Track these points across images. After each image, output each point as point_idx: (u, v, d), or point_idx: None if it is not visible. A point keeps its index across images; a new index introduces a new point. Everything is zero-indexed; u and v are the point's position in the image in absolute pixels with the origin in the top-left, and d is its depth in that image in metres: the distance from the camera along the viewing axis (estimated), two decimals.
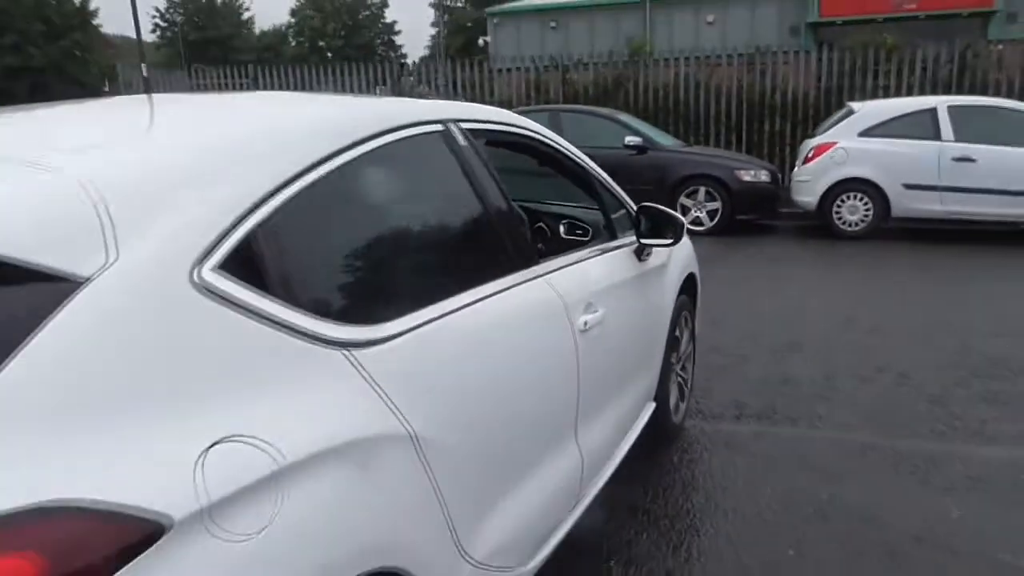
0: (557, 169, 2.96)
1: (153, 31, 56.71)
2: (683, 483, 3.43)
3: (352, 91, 15.19)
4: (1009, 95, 11.14)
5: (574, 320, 2.35)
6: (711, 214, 9.75)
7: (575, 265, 2.55)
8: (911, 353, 5.07)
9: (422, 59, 40.21)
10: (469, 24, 55.23)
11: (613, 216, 3.07)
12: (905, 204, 8.95)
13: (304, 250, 1.56)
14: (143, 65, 16.64)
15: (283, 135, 1.65)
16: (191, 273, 1.29)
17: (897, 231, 9.34)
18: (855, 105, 9.65)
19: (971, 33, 20.87)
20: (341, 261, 1.70)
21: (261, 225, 1.43)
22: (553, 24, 30.61)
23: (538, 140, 2.71)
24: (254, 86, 15.30)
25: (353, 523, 1.41)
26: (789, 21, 27.78)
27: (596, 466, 2.62)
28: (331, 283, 1.64)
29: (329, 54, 55.02)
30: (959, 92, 11.40)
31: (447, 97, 14.57)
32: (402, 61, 18.08)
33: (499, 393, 1.95)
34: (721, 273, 4.20)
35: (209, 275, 1.31)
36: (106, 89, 43.61)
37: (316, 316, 1.47)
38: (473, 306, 1.91)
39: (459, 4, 55.80)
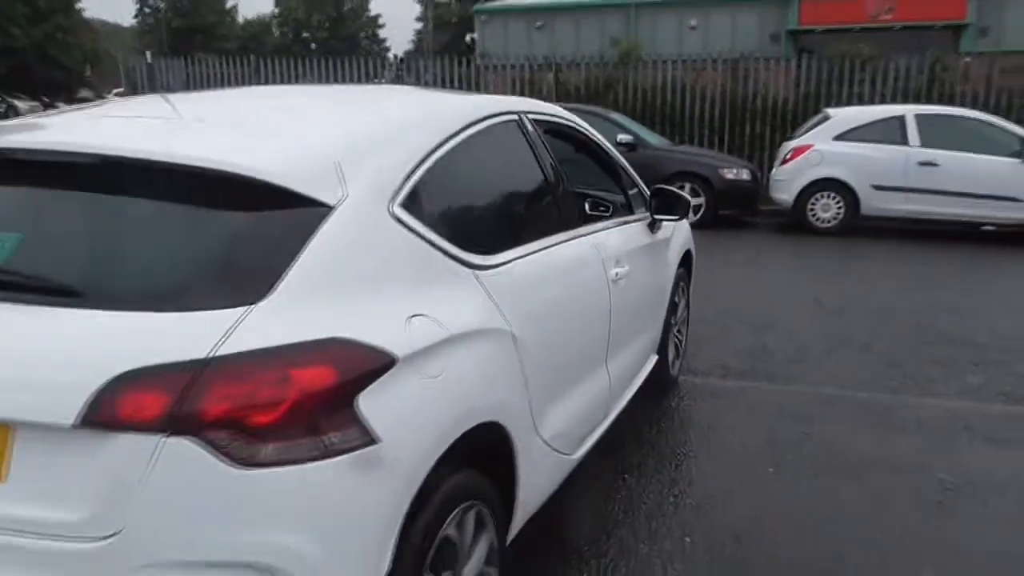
0: (590, 155, 3.60)
1: (136, 16, 56.60)
2: (680, 421, 4.10)
3: (348, 82, 15.72)
4: (975, 105, 11.94)
5: (608, 271, 3.00)
6: (695, 209, 10.43)
7: (607, 231, 3.20)
8: (872, 329, 5.79)
9: (407, 53, 40.61)
10: (454, 20, 55.75)
11: (630, 194, 3.73)
12: (874, 204, 9.72)
13: (446, 197, 2.19)
14: (147, 52, 17.03)
15: (427, 117, 2.29)
16: (387, 207, 1.92)
17: (866, 228, 10.10)
18: (831, 111, 10.41)
19: (944, 44, 21.76)
20: (466, 206, 2.34)
21: (421, 178, 2.06)
22: (540, 24, 31.07)
23: (580, 131, 3.35)
24: (256, 77, 15.75)
25: (482, 383, 2.05)
26: (769, 28, 28.52)
27: (618, 390, 3.28)
28: (462, 222, 2.27)
29: (313, 45, 55.24)
30: (928, 102, 12.19)
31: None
32: (400, 56, 18.43)
33: (562, 316, 2.60)
34: (705, 262, 4.83)
35: (397, 209, 1.94)
36: (88, 74, 43.57)
37: (454, 245, 2.11)
38: (547, 249, 2.57)
39: (444, 0, 56.24)
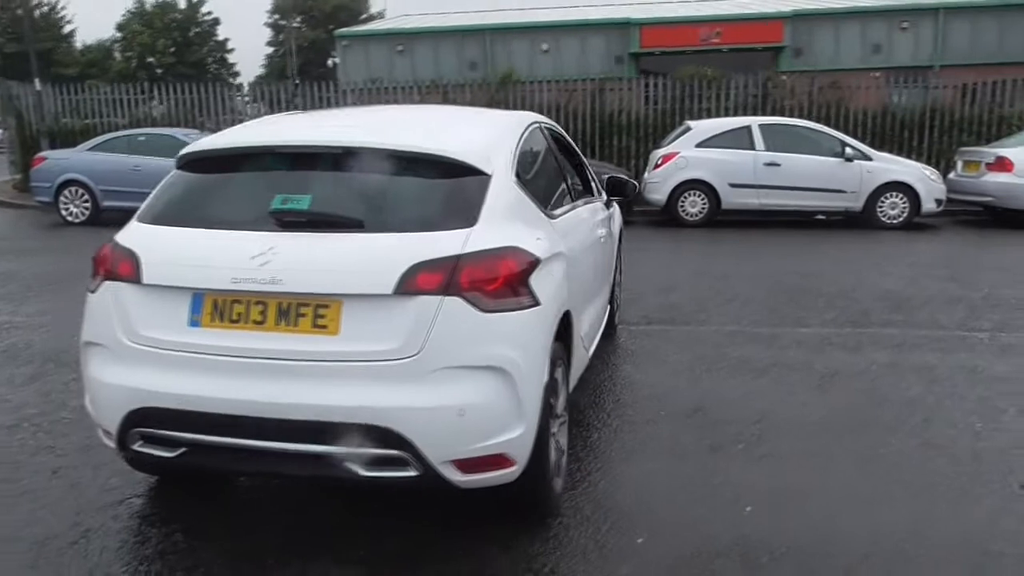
0: (568, 152, 4.89)
1: None
2: (628, 351, 5.46)
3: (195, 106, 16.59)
4: (800, 116, 14.23)
5: (595, 232, 4.30)
6: None
7: (589, 204, 4.50)
8: (749, 289, 7.42)
9: (258, 78, 40.49)
10: (306, 44, 55.82)
11: (591, 182, 5.06)
12: (732, 199, 11.63)
13: (525, 173, 3.39)
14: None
15: (507, 123, 3.49)
16: (511, 177, 3.11)
17: (726, 220, 11.99)
18: (691, 123, 12.32)
19: (765, 64, 24.79)
20: (534, 180, 3.56)
21: (517, 162, 3.27)
22: (400, 48, 32.05)
23: (564, 136, 4.64)
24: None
25: (564, 284, 3.27)
26: (615, 51, 30.90)
27: (600, 320, 4.58)
28: (534, 189, 3.47)
29: (159, 71, 53.57)
30: (763, 114, 14.40)
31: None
32: (250, 82, 19.44)
33: (583, 255, 3.87)
34: None
35: (514, 178, 3.14)
36: None
37: (538, 203, 3.32)
38: (573, 211, 3.84)
39: (295, 24, 56.24)
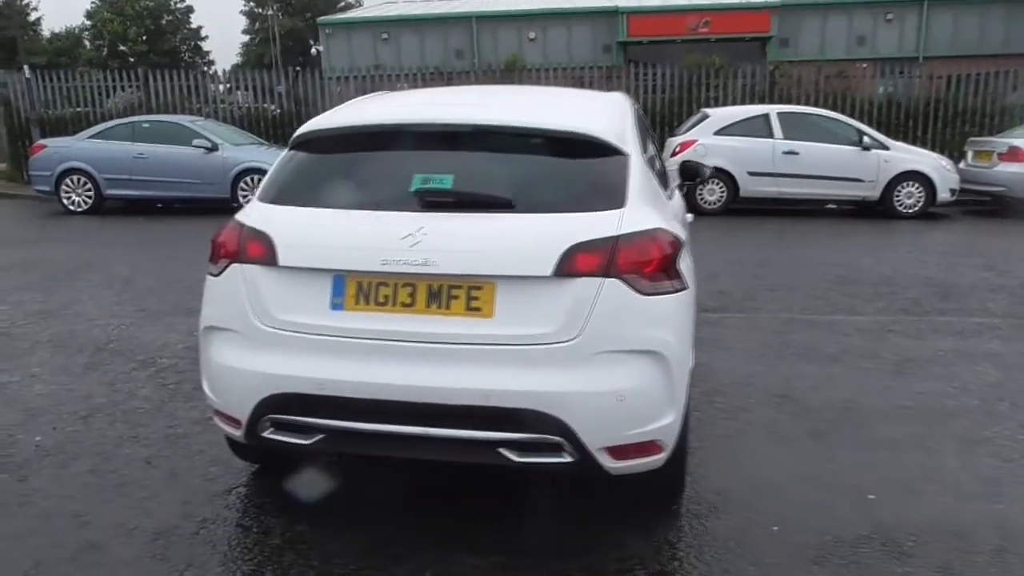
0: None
1: None
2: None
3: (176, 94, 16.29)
4: (806, 105, 14.26)
5: (687, 217, 4.23)
6: None
7: (678, 190, 4.43)
8: (789, 277, 7.41)
9: (235, 67, 39.91)
10: (283, 32, 55.07)
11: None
12: (750, 187, 11.61)
13: (644, 155, 3.30)
14: None
15: (621, 105, 3.39)
16: (643, 157, 3.03)
17: (741, 209, 11.99)
18: (709, 111, 12.27)
19: (752, 54, 24.88)
20: (650, 164, 3.48)
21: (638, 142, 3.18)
22: (385, 35, 31.76)
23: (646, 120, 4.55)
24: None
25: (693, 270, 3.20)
26: (602, 39, 30.84)
27: None
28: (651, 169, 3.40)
29: (132, 59, 52.55)
30: (769, 103, 14.41)
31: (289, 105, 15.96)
32: (226, 69, 19.23)
33: (686, 232, 3.79)
34: None
35: (644, 159, 3.05)
36: None
37: (659, 185, 3.25)
38: (675, 194, 3.76)
39: (272, 12, 55.40)
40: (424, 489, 3.26)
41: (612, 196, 2.71)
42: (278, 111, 16.12)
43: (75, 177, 12.62)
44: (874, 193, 11.54)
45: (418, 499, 3.20)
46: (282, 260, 2.66)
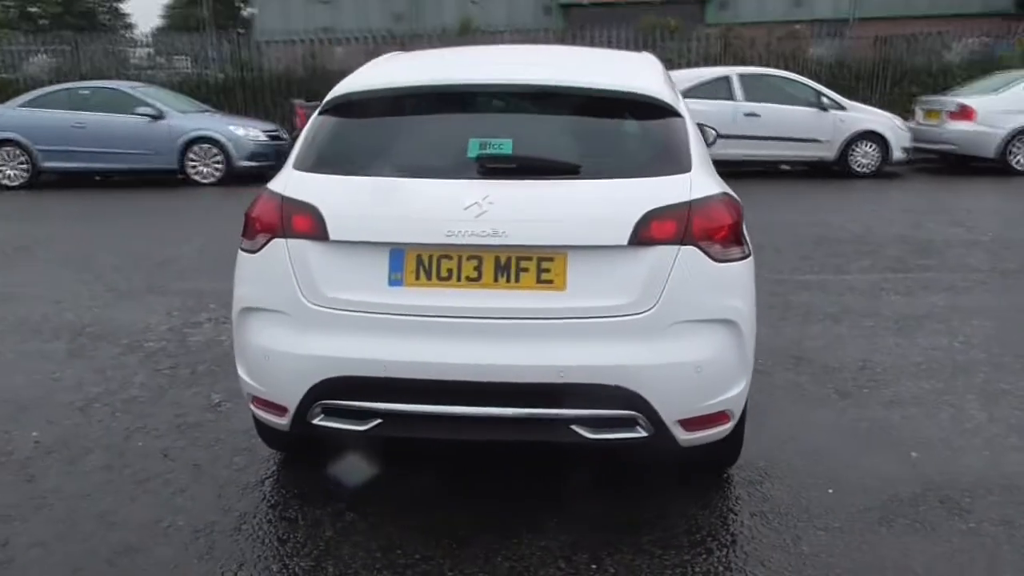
0: None
1: None
2: None
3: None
4: (760, 67, 14.34)
5: None
6: None
7: None
8: (770, 238, 7.40)
9: (158, 29, 38.23)
10: None
11: None
12: (713, 150, 11.60)
13: None
14: None
15: (656, 64, 3.25)
16: (693, 120, 2.91)
17: None
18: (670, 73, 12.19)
19: (692, 16, 24.90)
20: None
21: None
22: None
23: None
24: None
25: None
26: (543, 1, 30.47)
27: None
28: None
29: (43, 21, 49.71)
30: (723, 65, 14.43)
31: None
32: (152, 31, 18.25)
33: None
34: None
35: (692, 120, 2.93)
36: None
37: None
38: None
39: None
40: (470, 469, 3.13)
41: (677, 160, 2.59)
42: (221, 76, 15.46)
43: (8, 149, 11.90)
44: (831, 153, 11.71)
45: (465, 480, 3.07)
46: (333, 234, 2.48)
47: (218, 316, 5.17)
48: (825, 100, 11.67)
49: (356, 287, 2.48)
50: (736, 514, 2.81)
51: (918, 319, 4.96)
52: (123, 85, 12.67)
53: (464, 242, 2.40)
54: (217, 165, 11.77)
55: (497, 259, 2.43)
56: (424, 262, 2.45)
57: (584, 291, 2.42)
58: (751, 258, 2.63)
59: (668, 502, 2.87)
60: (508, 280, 2.43)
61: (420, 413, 2.50)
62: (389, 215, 2.47)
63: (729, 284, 2.52)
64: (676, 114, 2.71)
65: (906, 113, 13.33)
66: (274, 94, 15.28)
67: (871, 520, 2.75)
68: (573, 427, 2.47)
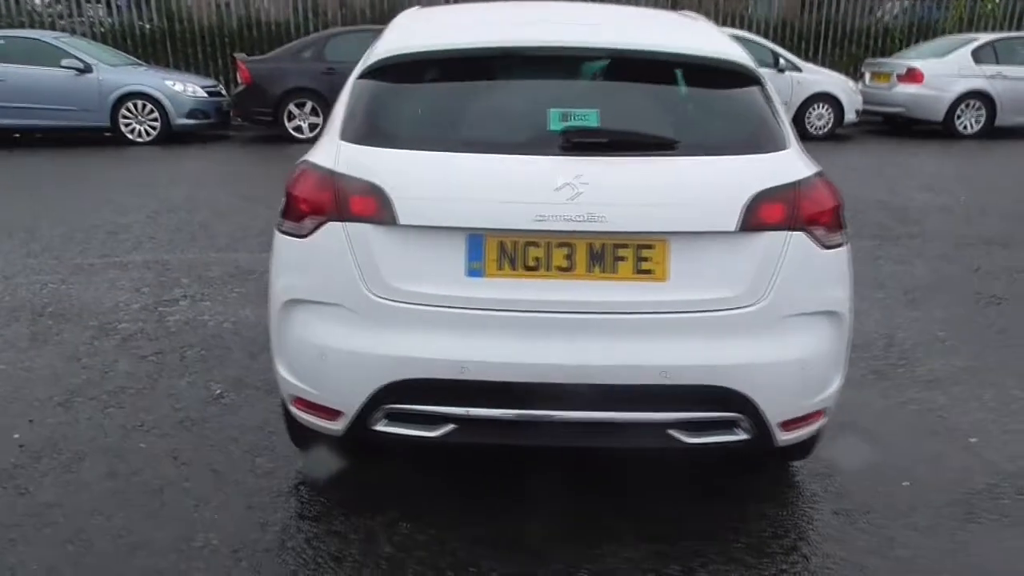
0: None
1: None
2: None
3: None
4: None
5: None
6: None
7: None
8: None
9: None
10: None
11: None
12: None
13: None
14: None
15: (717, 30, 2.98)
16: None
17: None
18: None
19: None
20: None
21: None
22: None
23: None
24: None
25: None
26: None
27: None
28: None
29: None
30: None
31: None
32: None
33: None
34: None
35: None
36: None
37: None
38: None
39: None
40: (522, 469, 2.88)
41: (774, 136, 2.35)
42: (147, 27, 14.42)
43: None
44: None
45: (520, 482, 2.81)
46: (402, 218, 2.16)
47: (194, 293, 4.75)
48: (782, 61, 11.62)
49: (429, 278, 2.18)
50: (819, 513, 2.65)
51: (927, 288, 4.92)
52: (46, 35, 11.62)
53: (556, 228, 2.11)
54: (153, 123, 10.98)
55: (591, 247, 2.16)
56: (508, 250, 2.16)
57: (687, 282, 2.18)
58: (847, 245, 2.42)
59: (742, 502, 2.69)
60: (603, 270, 2.16)
61: (501, 418, 2.23)
62: (467, 196, 2.16)
63: (834, 273, 2.32)
64: (762, 84, 2.46)
65: (851, 75, 13.43)
66: (206, 47, 14.34)
67: (958, 517, 2.63)
68: (670, 432, 2.25)
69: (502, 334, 2.16)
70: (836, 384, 2.39)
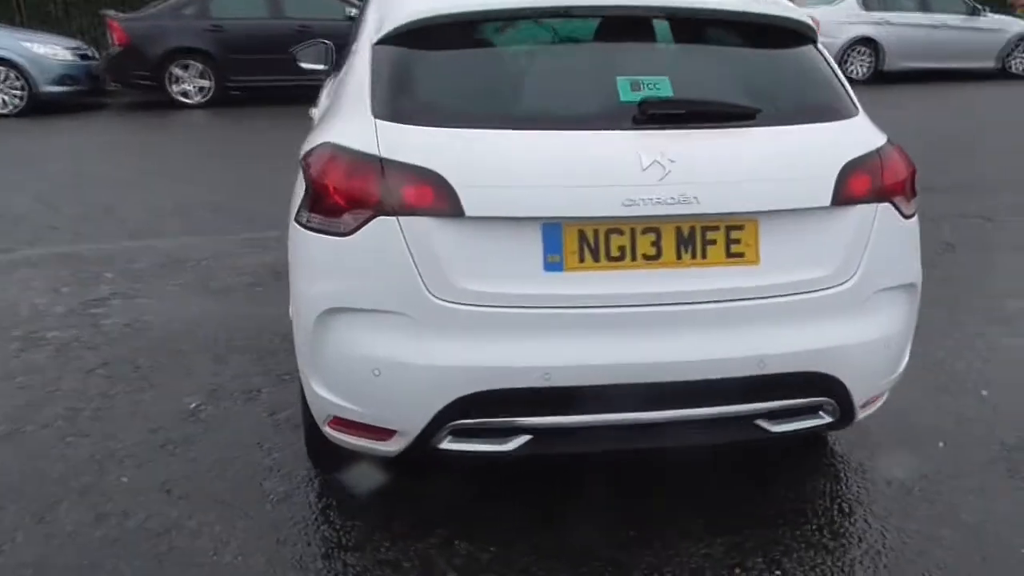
0: None
1: None
2: None
3: None
4: None
5: None
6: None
7: None
8: None
9: None
10: None
11: None
12: None
13: None
14: None
15: None
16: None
17: None
18: None
19: None
20: None
21: None
22: None
23: None
24: None
25: None
26: None
27: None
28: None
29: None
30: None
31: None
32: None
33: None
34: None
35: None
36: None
37: None
38: None
39: None
40: (567, 474, 2.66)
41: (842, 101, 2.21)
42: None
43: None
44: None
45: (570, 489, 2.59)
46: (469, 208, 1.88)
47: (124, 289, 4.24)
48: None
49: (502, 276, 1.92)
50: (874, 483, 2.59)
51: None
52: None
53: (646, 212, 1.89)
54: (16, 92, 9.86)
55: (679, 231, 1.95)
56: (589, 239, 1.92)
57: (779, 264, 2.01)
58: (916, 218, 2.31)
59: (798, 483, 2.59)
60: (693, 256, 1.96)
61: (584, 424, 2.02)
62: (542, 181, 1.90)
63: (913, 243, 2.23)
64: (815, 44, 2.29)
65: None
66: (66, 4, 12.99)
67: (1002, 474, 2.64)
68: (758, 422, 2.10)
69: (587, 334, 1.93)
70: (907, 359, 2.31)
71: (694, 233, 1.95)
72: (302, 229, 2.04)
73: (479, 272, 1.91)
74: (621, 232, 1.93)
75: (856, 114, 2.18)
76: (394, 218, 1.90)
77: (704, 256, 1.96)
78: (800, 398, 2.10)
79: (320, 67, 4.19)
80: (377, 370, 1.96)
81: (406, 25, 2.09)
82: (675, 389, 1.98)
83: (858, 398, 2.14)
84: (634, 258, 1.94)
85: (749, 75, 2.23)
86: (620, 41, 2.17)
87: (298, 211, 2.08)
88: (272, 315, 3.80)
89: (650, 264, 1.95)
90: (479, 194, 1.88)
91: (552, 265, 1.92)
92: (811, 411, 2.14)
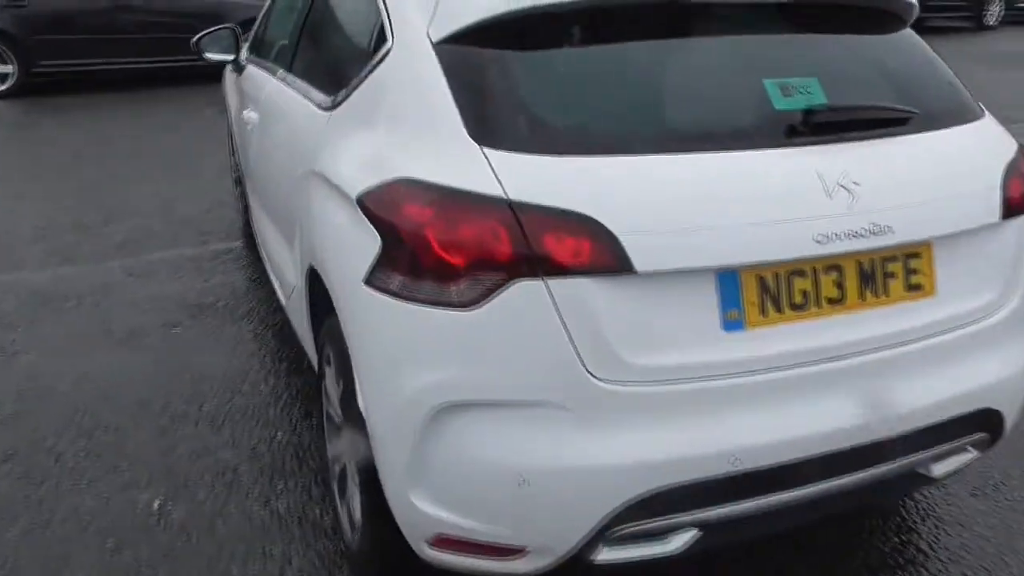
0: None
1: None
2: None
3: None
4: None
5: None
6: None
7: None
8: None
9: None
10: None
11: None
12: None
13: None
14: None
15: None
16: None
17: None
18: None
19: None
20: None
21: None
22: None
23: None
24: None
25: None
26: None
27: None
28: None
29: None
30: None
31: None
32: None
33: None
34: None
35: None
36: None
37: None
38: None
39: None
40: None
41: (965, 100, 1.97)
42: None
43: None
44: None
45: None
46: (639, 262, 1.45)
47: (27, 342, 3.37)
48: None
49: (675, 343, 1.51)
50: (954, 496, 2.43)
51: None
52: None
53: (841, 249, 1.55)
54: None
55: (859, 265, 1.63)
56: (770, 287, 1.56)
57: (951, 292, 1.75)
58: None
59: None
60: (876, 294, 1.65)
61: (765, 509, 1.66)
62: (717, 219, 1.50)
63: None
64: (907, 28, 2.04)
65: None
66: None
67: None
68: (919, 470, 1.85)
69: (777, 402, 1.58)
70: None
71: (875, 267, 1.64)
72: (386, 297, 1.53)
73: (648, 342, 1.49)
74: (803, 274, 1.58)
75: (984, 113, 1.96)
76: (539, 281, 1.43)
77: (886, 293, 1.66)
78: (965, 437, 1.86)
79: (228, 57, 3.52)
80: (523, 479, 1.50)
81: (492, 19, 1.60)
82: (866, 452, 1.67)
83: (1008, 428, 1.94)
84: (818, 304, 1.60)
85: (884, 70, 1.93)
86: (749, 34, 1.79)
87: (372, 271, 1.56)
88: (207, 364, 3.15)
89: (834, 309, 1.61)
90: (647, 243, 1.46)
91: (731, 323, 1.54)
92: (963, 447, 1.92)
